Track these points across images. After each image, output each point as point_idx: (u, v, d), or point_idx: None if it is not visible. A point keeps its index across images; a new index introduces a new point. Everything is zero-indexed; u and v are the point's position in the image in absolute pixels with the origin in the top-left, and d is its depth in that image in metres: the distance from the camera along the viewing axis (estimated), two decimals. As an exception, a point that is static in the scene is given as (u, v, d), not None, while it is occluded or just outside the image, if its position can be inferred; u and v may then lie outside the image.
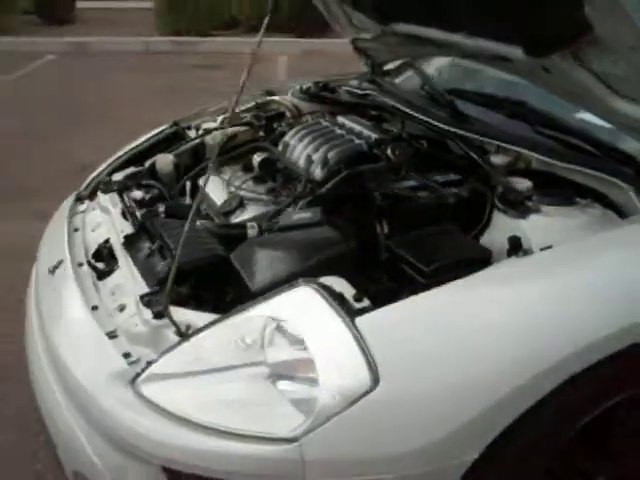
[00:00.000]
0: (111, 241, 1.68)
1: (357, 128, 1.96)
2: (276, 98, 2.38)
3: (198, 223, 1.67)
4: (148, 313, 1.33)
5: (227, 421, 1.12)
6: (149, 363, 1.24)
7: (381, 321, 1.15)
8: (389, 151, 1.76)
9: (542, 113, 1.80)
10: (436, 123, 1.88)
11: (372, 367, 1.08)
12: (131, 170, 2.09)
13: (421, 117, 1.96)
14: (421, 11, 1.84)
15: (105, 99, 5.58)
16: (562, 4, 1.29)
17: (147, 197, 1.88)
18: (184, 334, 1.26)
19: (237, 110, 2.33)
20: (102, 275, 1.58)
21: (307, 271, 1.31)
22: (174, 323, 1.26)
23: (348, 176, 1.67)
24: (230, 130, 2.05)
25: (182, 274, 1.41)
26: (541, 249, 1.29)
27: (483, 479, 1.17)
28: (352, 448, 1.08)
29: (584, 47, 1.38)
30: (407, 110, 2.03)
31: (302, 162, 1.82)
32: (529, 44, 1.50)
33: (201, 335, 1.23)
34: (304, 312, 1.19)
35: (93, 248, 1.70)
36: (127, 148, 2.21)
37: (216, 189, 1.88)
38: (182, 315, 1.31)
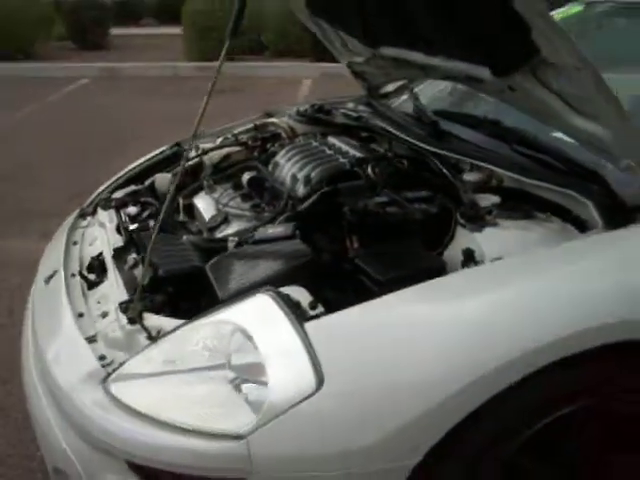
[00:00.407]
0: (103, 254, 1.79)
1: (345, 148, 2.05)
2: (273, 120, 2.48)
3: (184, 237, 1.78)
4: (124, 319, 1.42)
5: (185, 419, 1.20)
6: (120, 365, 1.33)
7: (329, 326, 1.22)
8: (369, 170, 1.85)
9: (518, 132, 1.85)
10: (417, 142, 1.96)
11: (317, 369, 1.15)
12: (132, 188, 2.21)
13: (405, 137, 2.03)
14: (403, 35, 1.93)
15: (132, 122, 5.77)
16: (513, 29, 1.36)
17: (142, 213, 2.00)
18: (154, 338, 1.35)
19: (236, 130, 2.45)
20: (92, 285, 1.69)
21: (271, 280, 1.39)
22: (144, 328, 1.36)
23: (325, 193, 1.75)
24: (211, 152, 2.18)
25: (160, 283, 1.52)
26: (491, 260, 1.35)
27: None
28: (297, 445, 1.15)
29: (542, 67, 1.45)
30: (393, 131, 2.10)
31: (288, 180, 1.92)
32: (493, 65, 1.58)
33: (167, 338, 1.32)
34: (260, 318, 1.27)
35: (88, 260, 1.82)
36: (129, 167, 2.33)
37: (207, 206, 1.98)
38: (156, 321, 1.40)
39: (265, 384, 1.18)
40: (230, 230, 1.80)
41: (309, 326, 1.21)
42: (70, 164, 4.65)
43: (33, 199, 4.00)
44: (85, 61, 8.75)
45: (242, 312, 1.30)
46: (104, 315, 1.53)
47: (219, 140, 2.41)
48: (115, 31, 10.28)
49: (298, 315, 1.23)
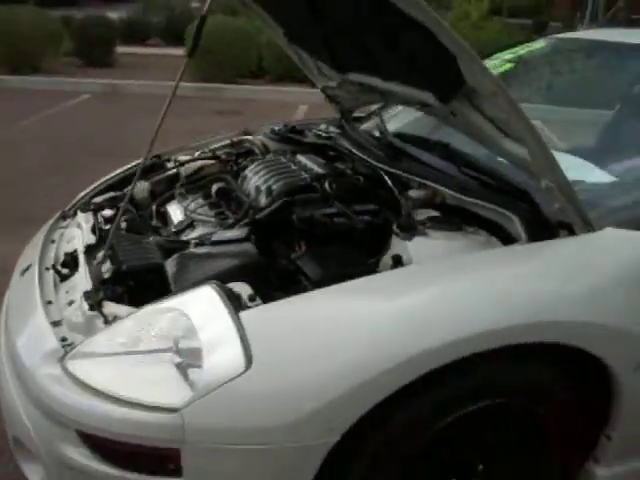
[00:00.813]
0: (77, 251, 1.94)
1: (309, 165, 2.22)
2: (249, 137, 2.65)
3: (151, 239, 1.93)
4: (86, 306, 1.57)
5: (131, 394, 1.35)
6: (77, 345, 1.48)
7: (261, 316, 1.38)
8: (327, 185, 2.01)
9: (464, 154, 2.02)
10: (373, 162, 2.12)
11: (247, 352, 1.30)
12: (111, 194, 2.37)
13: (364, 157, 2.20)
14: (364, 62, 2.10)
15: (128, 137, 5.94)
16: (444, 60, 1.52)
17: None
18: (110, 322, 1.50)
19: (213, 145, 2.63)
20: (64, 278, 1.84)
21: (219, 276, 1.55)
22: (102, 313, 1.51)
23: (283, 203, 1.91)
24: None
25: (122, 276, 1.67)
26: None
27: (345, 463, 1.37)
28: (226, 419, 1.30)
29: (475, 94, 1.61)
30: (354, 151, 2.27)
31: (252, 191, 2.08)
32: (435, 91, 1.75)
33: (120, 322, 1.47)
34: (204, 307, 1.42)
35: (62, 257, 1.97)
36: (111, 175, 2.50)
37: (178, 212, 2.15)
38: (115, 308, 1.56)
39: (202, 366, 1.32)
40: (194, 234, 1.96)
41: (244, 315, 1.36)
42: (66, 172, 4.83)
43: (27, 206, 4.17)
44: (89, 77, 8.97)
45: (188, 301, 1.45)
46: (70, 303, 1.68)
47: (197, 154, 2.59)
48: (121, 49, 10.53)
49: (236, 305, 1.38)
